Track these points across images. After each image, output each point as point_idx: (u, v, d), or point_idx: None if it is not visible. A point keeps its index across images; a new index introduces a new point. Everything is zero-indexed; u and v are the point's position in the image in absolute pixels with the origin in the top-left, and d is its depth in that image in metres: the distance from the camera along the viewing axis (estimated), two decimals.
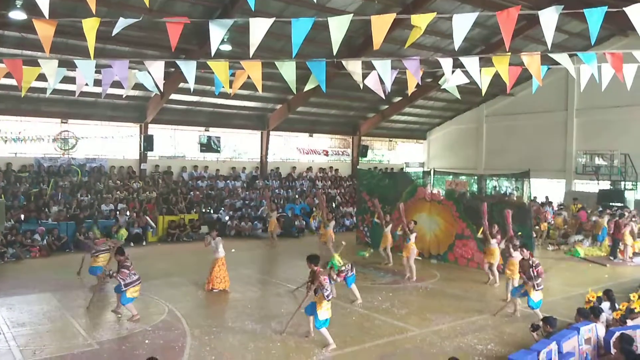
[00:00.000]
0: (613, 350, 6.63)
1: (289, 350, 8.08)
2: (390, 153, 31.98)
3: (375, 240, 17.30)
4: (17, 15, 12.66)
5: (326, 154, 28.68)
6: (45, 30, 5.04)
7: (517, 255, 10.76)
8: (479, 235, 13.24)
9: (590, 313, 7.84)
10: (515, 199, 15.82)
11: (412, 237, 13.18)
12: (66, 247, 16.47)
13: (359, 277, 13.25)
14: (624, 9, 5.02)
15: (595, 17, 5.14)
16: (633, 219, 16.91)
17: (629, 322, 7.71)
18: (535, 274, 9.42)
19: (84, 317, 9.63)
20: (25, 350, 7.85)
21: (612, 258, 16.32)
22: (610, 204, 20.56)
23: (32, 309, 10.00)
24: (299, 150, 27.67)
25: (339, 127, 28.59)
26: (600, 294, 9.30)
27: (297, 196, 24.14)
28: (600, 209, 19.72)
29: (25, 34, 14.42)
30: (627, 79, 5.98)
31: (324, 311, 8.11)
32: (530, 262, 9.60)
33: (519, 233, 12.31)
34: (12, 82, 15.61)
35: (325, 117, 27.05)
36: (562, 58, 5.85)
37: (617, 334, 6.73)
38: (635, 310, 8.51)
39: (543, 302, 9.64)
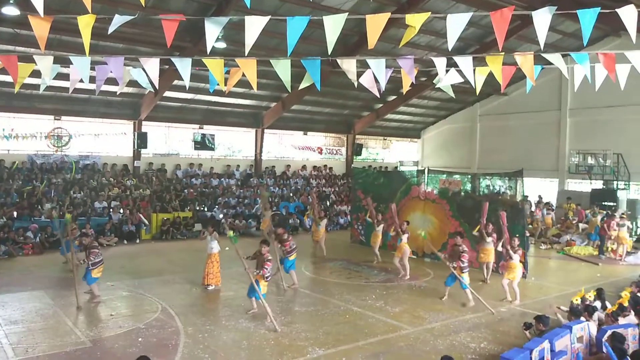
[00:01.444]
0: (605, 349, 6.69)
1: (282, 348, 8.09)
2: (385, 152, 32.03)
3: (369, 239, 17.33)
4: (10, 11, 12.58)
5: (320, 152, 28.68)
6: (40, 27, 5.02)
7: (516, 258, 10.85)
8: (475, 232, 13.28)
9: (582, 312, 7.90)
10: (508, 198, 15.89)
11: (404, 237, 13.22)
12: (59, 245, 16.35)
13: (353, 276, 13.34)
14: (616, 9, 5.05)
15: (588, 17, 5.18)
16: (622, 217, 17.04)
17: (621, 320, 7.77)
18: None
19: (76, 314, 9.60)
20: (17, 348, 7.82)
21: (601, 256, 16.50)
22: (603, 203, 20.68)
23: (25, 307, 9.96)
24: (293, 149, 27.65)
25: (334, 125, 28.60)
26: (585, 294, 9.33)
27: (291, 194, 24.15)
28: (596, 208, 19.85)
29: (18, 30, 14.33)
30: (620, 79, 6.02)
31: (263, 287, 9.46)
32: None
33: (516, 235, 12.33)
34: (3, 78, 15.60)
35: (319, 116, 27.05)
36: (555, 58, 5.89)
37: (609, 332, 6.80)
38: (624, 304, 8.60)
39: (536, 301, 9.69)
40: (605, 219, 17.35)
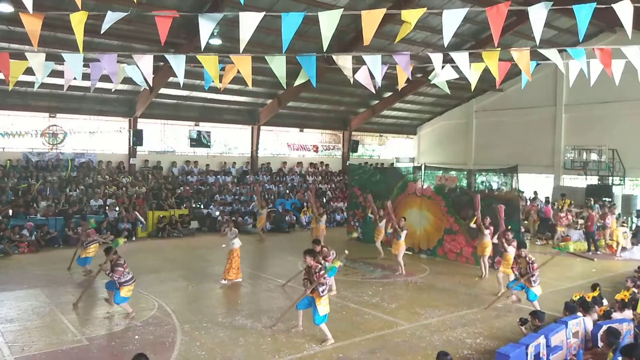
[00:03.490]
0: (600, 344, 6.71)
1: (279, 345, 8.09)
2: (381, 148, 32.03)
3: (366, 235, 17.38)
4: (3, 7, 12.51)
5: (316, 150, 28.64)
6: (32, 24, 4.98)
7: (511, 250, 10.86)
8: (472, 224, 13.30)
9: (577, 308, 7.93)
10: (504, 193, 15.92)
11: (403, 234, 13.23)
12: (55, 243, 16.35)
13: (349, 272, 13.33)
14: (612, 5, 5.05)
15: (584, 13, 5.18)
16: (623, 224, 17.16)
17: (617, 315, 7.80)
18: (531, 270, 9.64)
19: (73, 313, 9.57)
20: (13, 347, 7.79)
21: (594, 252, 16.58)
22: (603, 198, 20.74)
23: (21, 305, 9.92)
24: (289, 146, 27.62)
25: (330, 122, 28.58)
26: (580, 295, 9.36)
27: (287, 191, 24.13)
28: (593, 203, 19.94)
29: (12, 27, 14.24)
30: (615, 75, 6.03)
31: (323, 307, 8.19)
32: (527, 259, 9.80)
33: (509, 227, 12.40)
34: None
35: (315, 112, 27.02)
36: (551, 53, 5.89)
37: (605, 327, 6.82)
38: (619, 298, 8.65)
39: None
40: (591, 212, 17.41)
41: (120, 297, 9.09)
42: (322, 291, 8.18)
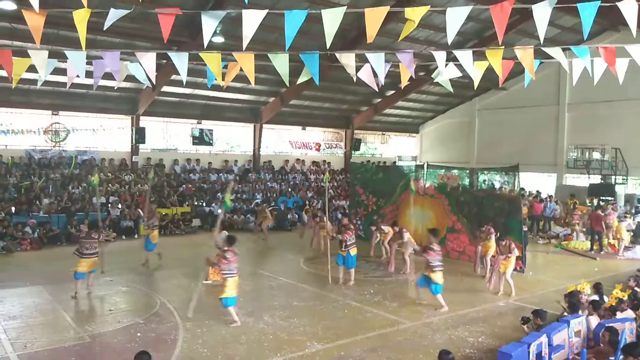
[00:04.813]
0: (602, 343, 6.71)
1: (281, 342, 8.10)
2: (383, 146, 32.02)
3: (368, 234, 17.35)
4: (6, 5, 12.52)
5: (318, 149, 28.63)
6: (35, 21, 4.97)
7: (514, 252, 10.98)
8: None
9: (579, 306, 7.93)
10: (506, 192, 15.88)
11: (406, 235, 13.22)
12: (57, 240, 16.38)
13: None
14: (616, 3, 5.03)
15: (588, 11, 5.15)
16: (625, 215, 17.07)
17: (619, 315, 7.79)
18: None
19: (75, 310, 9.60)
20: (16, 344, 7.82)
21: (597, 251, 16.55)
22: (601, 198, 20.72)
23: (24, 302, 9.95)
24: (291, 144, 27.62)
25: (332, 120, 28.57)
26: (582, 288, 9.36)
27: (289, 189, 24.12)
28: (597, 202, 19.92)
29: (15, 25, 14.25)
30: (619, 74, 6.00)
31: (438, 277, 9.76)
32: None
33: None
34: (1, 72, 15.51)
35: (318, 111, 27.00)
36: (555, 52, 5.87)
37: (607, 326, 6.81)
38: (619, 297, 8.65)
39: (534, 295, 9.72)
40: (594, 211, 17.38)
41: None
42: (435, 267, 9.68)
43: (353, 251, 11.73)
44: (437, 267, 9.85)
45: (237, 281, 9.00)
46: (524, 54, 5.86)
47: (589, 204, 19.13)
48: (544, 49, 5.80)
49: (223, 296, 8.81)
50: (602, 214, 16.88)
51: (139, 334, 8.35)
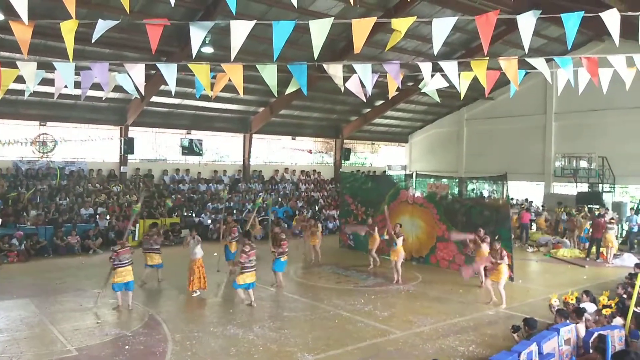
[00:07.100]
0: (591, 351, 6.74)
1: (271, 354, 8.05)
2: (373, 156, 32.14)
3: (358, 243, 17.37)
4: None
5: (310, 152, 28.69)
6: (22, 32, 4.95)
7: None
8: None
9: (569, 314, 7.96)
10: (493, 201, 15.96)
11: (399, 240, 13.18)
12: (44, 252, 16.19)
13: (342, 280, 13.32)
14: (599, 14, 5.11)
15: (572, 21, 5.23)
16: (611, 220, 17.18)
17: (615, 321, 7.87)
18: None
19: (62, 323, 9.47)
20: (1, 357, 7.69)
21: (588, 258, 16.68)
22: (589, 206, 20.89)
23: (10, 315, 9.81)
24: (281, 154, 27.63)
25: (322, 130, 28.65)
26: (569, 297, 9.40)
27: (279, 199, 24.08)
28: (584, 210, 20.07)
29: (3, 35, 14.17)
30: (603, 83, 6.08)
31: None
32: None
33: (496, 237, 12.31)
34: None
35: (308, 120, 27.09)
36: (538, 62, 5.94)
37: (596, 334, 6.85)
38: (606, 303, 8.74)
39: (524, 303, 9.75)
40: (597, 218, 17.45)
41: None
42: None
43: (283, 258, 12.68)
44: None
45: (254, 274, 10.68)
46: (508, 65, 5.93)
47: (580, 213, 19.25)
48: (528, 59, 5.87)
49: (236, 281, 10.47)
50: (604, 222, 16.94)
51: (127, 347, 8.25)
